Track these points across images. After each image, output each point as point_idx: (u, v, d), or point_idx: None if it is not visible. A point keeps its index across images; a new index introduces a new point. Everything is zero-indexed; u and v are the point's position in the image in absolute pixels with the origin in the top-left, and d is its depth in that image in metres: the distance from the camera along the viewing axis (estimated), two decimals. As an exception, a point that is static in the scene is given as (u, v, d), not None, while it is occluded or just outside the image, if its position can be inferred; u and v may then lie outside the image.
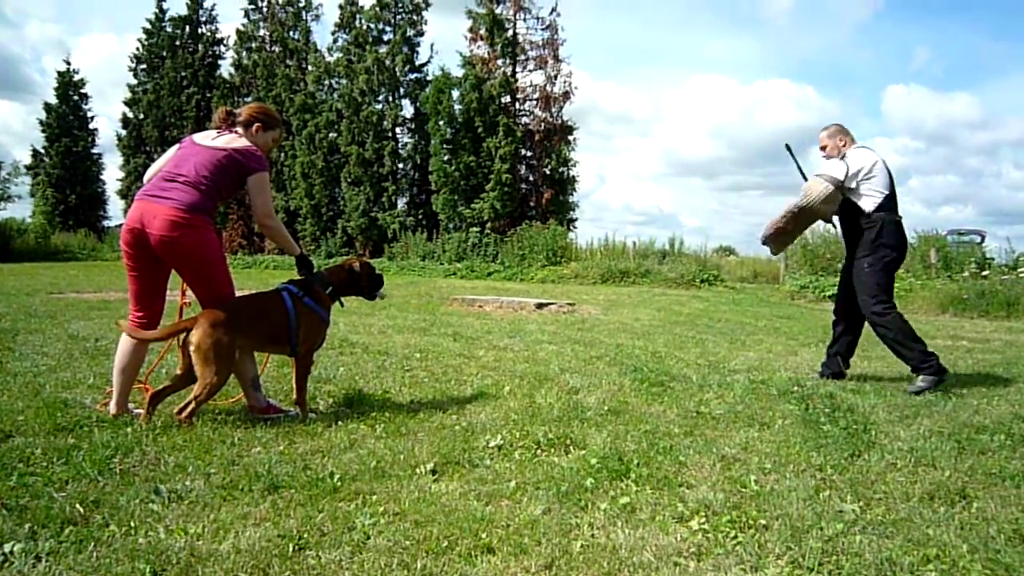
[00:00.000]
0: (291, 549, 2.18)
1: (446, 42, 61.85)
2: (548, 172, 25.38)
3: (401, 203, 27.81)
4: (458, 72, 25.12)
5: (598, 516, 2.59)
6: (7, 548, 2.14)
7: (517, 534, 2.38)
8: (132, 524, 2.34)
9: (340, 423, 3.68)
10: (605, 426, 3.81)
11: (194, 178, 3.63)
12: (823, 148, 5.36)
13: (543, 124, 25.20)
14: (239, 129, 3.91)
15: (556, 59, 25.12)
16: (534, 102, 25.57)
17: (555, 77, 25.12)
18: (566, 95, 25.18)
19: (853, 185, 5.08)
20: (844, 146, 5.27)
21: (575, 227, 25.79)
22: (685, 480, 3.00)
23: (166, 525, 2.34)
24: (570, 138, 25.44)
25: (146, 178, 3.80)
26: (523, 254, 21.36)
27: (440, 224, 25.29)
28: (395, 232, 26.34)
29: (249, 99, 30.57)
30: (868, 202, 5.08)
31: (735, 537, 2.43)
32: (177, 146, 3.89)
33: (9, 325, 6.98)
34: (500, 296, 11.71)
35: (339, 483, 2.76)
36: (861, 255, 5.14)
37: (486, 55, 25.10)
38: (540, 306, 10.52)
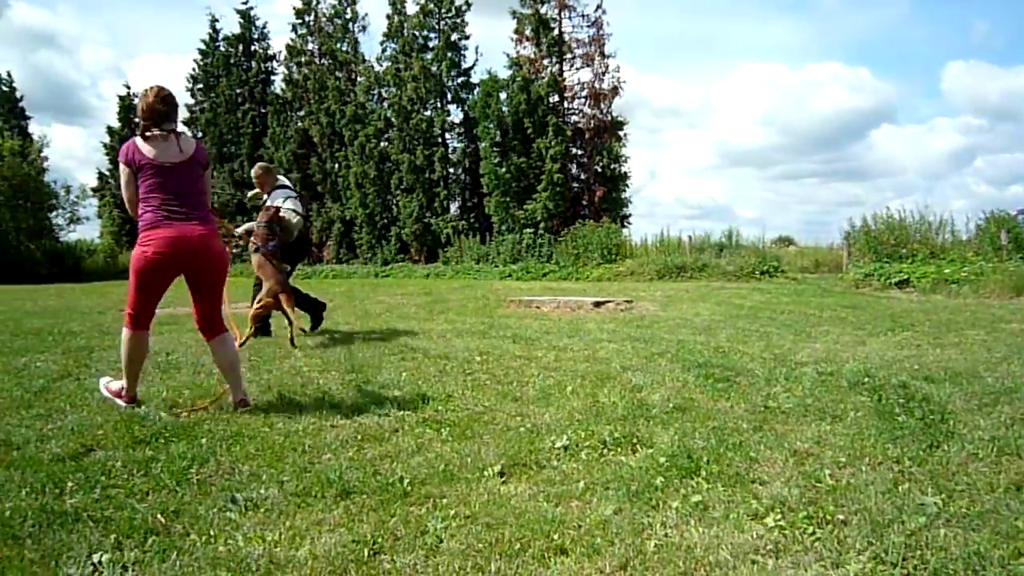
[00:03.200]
0: (366, 554, 2.22)
1: (491, 44, 62.14)
2: (599, 170, 25.24)
3: (453, 208, 28.00)
4: (505, 74, 25.19)
5: (670, 515, 2.55)
6: (95, 558, 2.22)
7: (589, 535, 2.37)
8: (212, 533, 2.41)
9: (406, 428, 3.72)
10: (671, 424, 3.76)
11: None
12: None
13: (592, 121, 25.05)
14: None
15: (603, 55, 24.96)
16: (583, 100, 25.44)
17: (603, 73, 24.96)
18: (614, 91, 24.99)
19: None
20: None
21: (629, 224, 25.59)
22: (757, 476, 2.95)
23: (244, 533, 2.40)
24: (620, 134, 25.24)
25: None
26: (578, 253, 21.28)
27: (493, 227, 25.38)
28: (448, 236, 26.54)
29: (301, 113, 31.23)
30: None
31: (813, 533, 2.38)
32: (139, 165, 4.12)
33: (84, 343, 7.25)
34: (557, 296, 11.68)
35: (409, 487, 2.79)
36: None
37: (532, 55, 25.09)
38: (597, 304, 10.46)
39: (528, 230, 23.71)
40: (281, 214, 7.03)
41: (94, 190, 35.66)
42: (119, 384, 4.42)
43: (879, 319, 8.69)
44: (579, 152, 25.71)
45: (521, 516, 2.52)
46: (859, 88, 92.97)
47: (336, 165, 29.84)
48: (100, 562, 2.19)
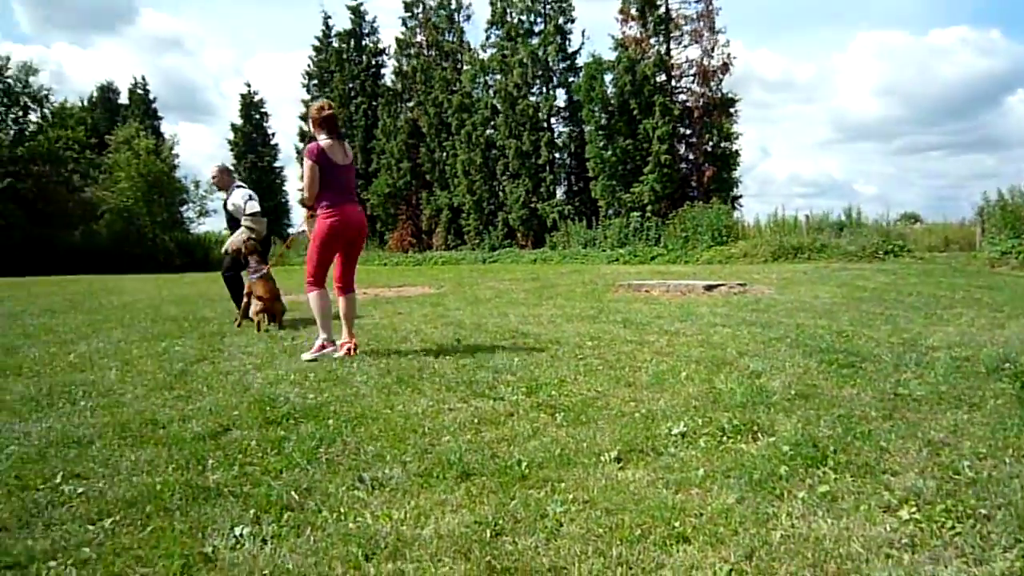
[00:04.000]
0: (488, 535, 2.26)
1: (597, 26, 61.42)
2: (709, 149, 24.59)
3: (559, 192, 28.01)
4: (610, 56, 24.89)
5: (796, 505, 2.47)
6: (237, 531, 2.37)
7: (711, 523, 2.33)
8: (342, 510, 2.52)
9: (521, 412, 3.77)
10: (794, 411, 3.63)
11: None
12: None
13: (701, 100, 24.41)
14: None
15: (712, 31, 24.24)
16: (691, 78, 24.84)
17: (711, 50, 24.27)
18: (724, 67, 24.25)
19: None
20: None
21: (740, 204, 24.83)
22: (889, 467, 2.81)
23: (372, 511, 2.50)
24: (731, 111, 24.46)
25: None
26: (687, 236, 20.84)
27: (600, 211, 25.21)
28: (555, 221, 26.57)
29: (411, 104, 31.95)
30: None
31: (952, 528, 2.25)
32: (323, 162, 5.48)
33: (216, 328, 7.71)
34: (666, 280, 11.49)
35: (527, 471, 2.82)
36: None
37: (638, 35, 24.67)
38: (709, 288, 10.21)
39: (635, 213, 23.42)
40: (246, 237, 7.86)
41: (220, 185, 37.77)
42: (319, 341, 5.62)
43: (1018, 300, 8.08)
44: (687, 132, 25.13)
45: (640, 502, 2.50)
46: (990, 51, 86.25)
47: (444, 153, 30.39)
48: (242, 535, 2.33)
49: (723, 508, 2.45)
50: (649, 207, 23.55)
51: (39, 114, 29.84)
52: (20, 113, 29.33)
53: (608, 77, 24.71)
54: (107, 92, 42.50)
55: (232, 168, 8.68)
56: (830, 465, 2.82)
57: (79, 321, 8.65)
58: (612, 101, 24.40)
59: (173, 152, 33.89)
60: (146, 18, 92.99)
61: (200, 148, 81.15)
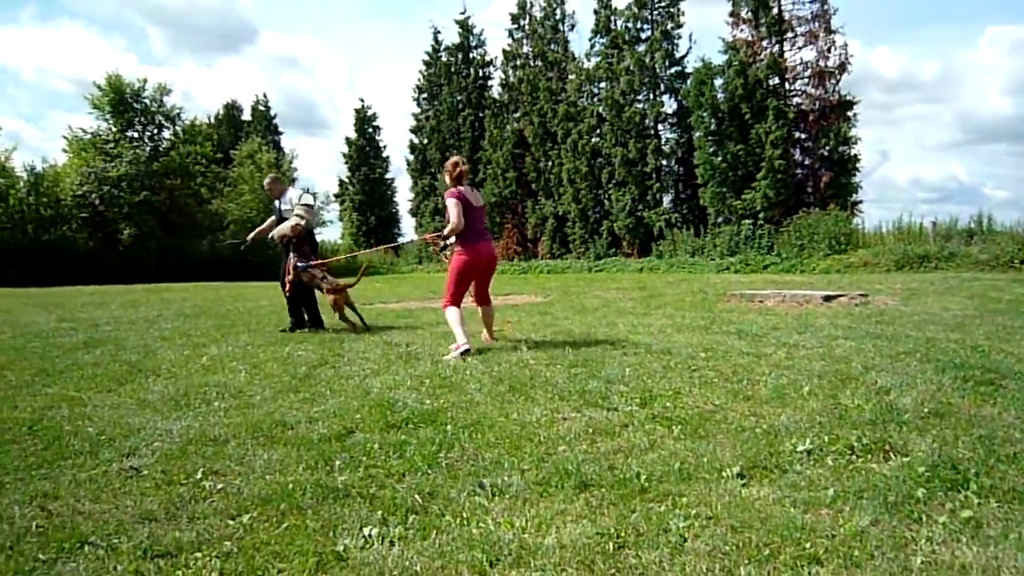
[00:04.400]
0: (611, 547, 2.25)
1: (705, 30, 60.21)
2: (825, 153, 23.53)
3: (667, 200, 27.53)
4: (720, 60, 24.31)
5: (936, 530, 2.34)
6: (366, 531, 2.46)
7: (844, 545, 2.23)
8: (464, 515, 2.57)
9: (636, 423, 3.73)
10: (928, 430, 3.43)
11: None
12: None
13: (817, 102, 23.43)
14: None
15: (828, 31, 23.24)
16: (805, 80, 23.87)
17: (828, 50, 23.25)
18: (842, 68, 23.18)
19: None
20: None
21: (860, 211, 23.57)
22: (1041, 494, 2.61)
23: (493, 518, 2.53)
24: (849, 114, 23.37)
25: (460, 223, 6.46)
26: (802, 244, 20.06)
27: (708, 218, 24.62)
28: (662, 229, 26.14)
29: (517, 115, 32.29)
30: None
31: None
32: (464, 200, 6.47)
33: (334, 334, 8.02)
34: (781, 290, 11.09)
35: (646, 484, 2.78)
36: None
37: (750, 37, 23.98)
38: (828, 298, 9.79)
39: (746, 221, 22.73)
40: (295, 223, 8.32)
41: (336, 196, 39.40)
42: (455, 346, 6.28)
43: None
44: (802, 136, 24.16)
45: (767, 521, 2.42)
46: None
47: (549, 162, 30.50)
48: (370, 535, 2.41)
49: (857, 530, 2.34)
50: (761, 214, 22.80)
51: (171, 131, 31.95)
52: (155, 131, 31.52)
53: (718, 82, 24.14)
54: (232, 110, 45.05)
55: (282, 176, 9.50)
56: (972, 489, 2.65)
57: (209, 325, 9.19)
58: (722, 106, 23.81)
59: (292, 165, 35.56)
60: (266, 39, 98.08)
61: (316, 161, 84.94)
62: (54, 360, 6.45)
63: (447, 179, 6.62)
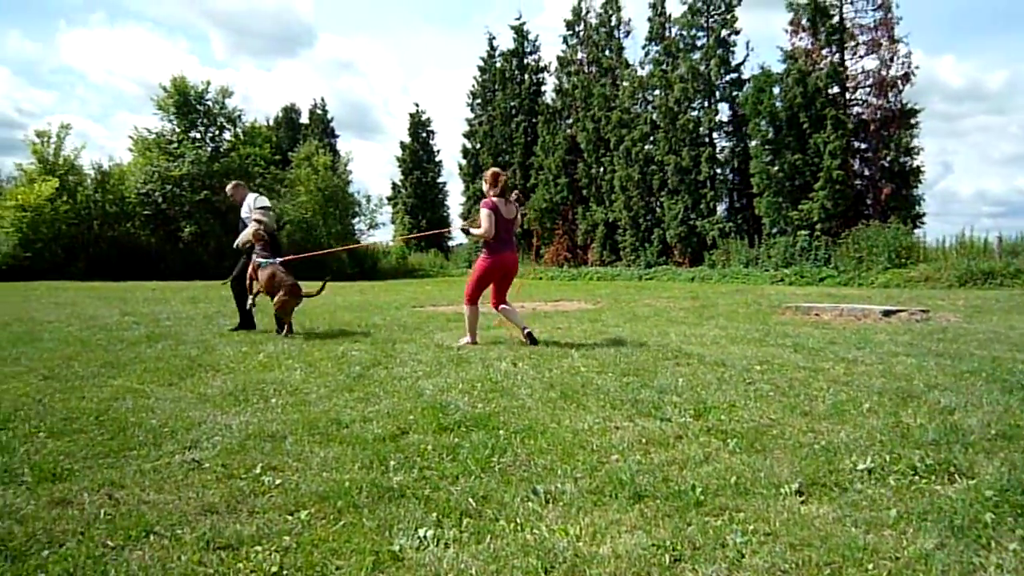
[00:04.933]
0: (667, 560, 2.23)
1: (763, 38, 59.33)
2: (886, 164, 22.97)
3: (720, 209, 27.17)
4: (778, 68, 23.94)
5: (1006, 557, 2.26)
6: (421, 532, 2.48)
7: (909, 568, 2.17)
8: (518, 521, 2.57)
9: (690, 435, 3.68)
10: (995, 453, 3.32)
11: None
12: None
13: (878, 112, 22.88)
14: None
15: (892, 40, 22.70)
16: (867, 89, 23.35)
17: (891, 59, 22.71)
18: (905, 77, 22.61)
19: None
20: None
21: (921, 223, 22.94)
22: (1120, 524, 2.49)
23: (547, 524, 2.53)
24: (912, 124, 22.76)
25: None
26: (860, 257, 19.60)
27: (763, 228, 24.23)
28: (714, 239, 25.82)
29: (569, 121, 32.27)
30: None
31: None
32: (496, 211, 7.08)
33: (386, 335, 8.11)
34: (838, 303, 10.85)
35: (702, 497, 2.75)
36: None
37: (809, 46, 23.55)
38: (887, 313, 9.54)
39: (803, 232, 22.32)
40: (255, 228, 8.36)
41: (388, 199, 39.96)
42: (464, 339, 7.35)
43: None
44: (862, 146, 23.63)
45: (827, 540, 2.37)
46: None
47: (601, 169, 30.40)
48: (425, 537, 2.43)
49: (921, 553, 2.27)
50: (818, 225, 22.34)
51: (232, 133, 32.70)
52: (216, 132, 32.30)
53: (776, 90, 23.77)
54: (290, 112, 46.02)
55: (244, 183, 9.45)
56: (1046, 516, 2.55)
57: (265, 323, 9.38)
58: (780, 114, 23.42)
59: (347, 168, 36.12)
60: (323, 42, 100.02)
61: (370, 164, 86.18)
62: (118, 353, 6.66)
63: (485, 186, 7.21)
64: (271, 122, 43.68)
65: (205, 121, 31.83)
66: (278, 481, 3.01)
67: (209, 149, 31.35)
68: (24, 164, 28.47)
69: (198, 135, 31.62)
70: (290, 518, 2.62)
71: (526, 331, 7.25)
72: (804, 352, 6.47)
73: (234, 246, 8.87)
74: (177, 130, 31.25)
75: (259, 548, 2.36)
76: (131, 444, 3.58)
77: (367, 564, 2.23)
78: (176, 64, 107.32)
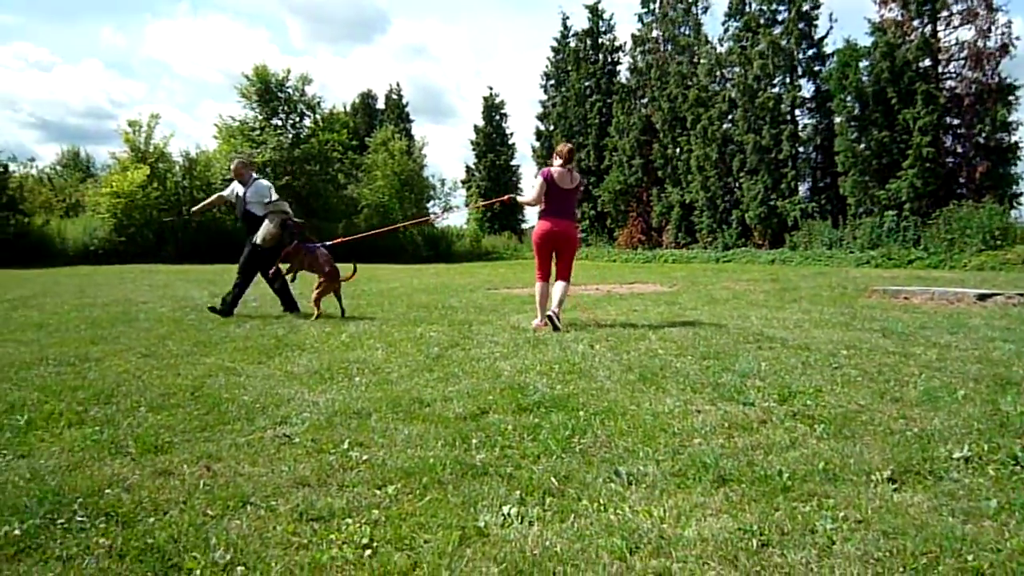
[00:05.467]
0: (754, 544, 2.20)
1: (846, 11, 56.90)
2: (981, 141, 21.80)
3: (802, 189, 26.38)
4: (864, 41, 22.95)
5: (1122, 554, 2.14)
6: (505, 509, 2.51)
7: (1013, 561, 2.08)
8: (601, 501, 2.58)
9: (775, 420, 3.61)
10: (1108, 444, 3.13)
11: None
12: None
13: (973, 86, 21.69)
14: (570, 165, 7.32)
15: (990, 9, 21.44)
16: (960, 62, 22.15)
17: (988, 30, 21.47)
18: (1003, 49, 21.35)
19: None
20: None
21: (1019, 204, 21.71)
22: None
23: (631, 505, 2.53)
24: (1010, 98, 21.50)
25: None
26: (952, 238, 18.71)
27: (848, 209, 23.38)
28: (796, 220, 25.08)
29: (644, 100, 31.78)
30: None
31: None
32: (550, 183, 7.16)
33: (463, 317, 8.21)
34: (929, 287, 10.39)
35: (789, 482, 2.70)
36: None
37: (899, 17, 22.48)
38: (982, 297, 9.09)
39: (890, 212, 21.44)
40: (286, 219, 8.39)
41: (462, 182, 40.26)
42: (536, 320, 7.28)
43: None
44: (955, 122, 22.46)
45: (922, 529, 2.29)
46: None
47: (677, 149, 29.89)
48: (509, 514, 2.47)
49: (1025, 547, 2.18)
50: (907, 205, 21.40)
51: (311, 120, 33.54)
52: (297, 119, 33.18)
53: (863, 64, 22.80)
54: (367, 98, 46.79)
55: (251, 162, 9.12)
56: None
57: (345, 305, 9.62)
58: (867, 90, 22.46)
59: (422, 152, 36.57)
60: (396, 27, 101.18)
61: (442, 148, 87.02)
62: (209, 332, 6.95)
63: (554, 155, 7.35)
64: (348, 108, 44.52)
65: (286, 108, 32.72)
66: (365, 456, 3.10)
67: (290, 136, 32.23)
68: (117, 152, 29.87)
69: (279, 122, 32.54)
70: (378, 492, 2.70)
71: (549, 313, 7.04)
72: (893, 337, 6.24)
73: (257, 242, 8.37)
74: (259, 117, 32.22)
75: (349, 520, 2.44)
76: (225, 419, 3.74)
77: (454, 539, 2.28)
78: (257, 53, 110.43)
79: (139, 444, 3.28)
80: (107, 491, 2.71)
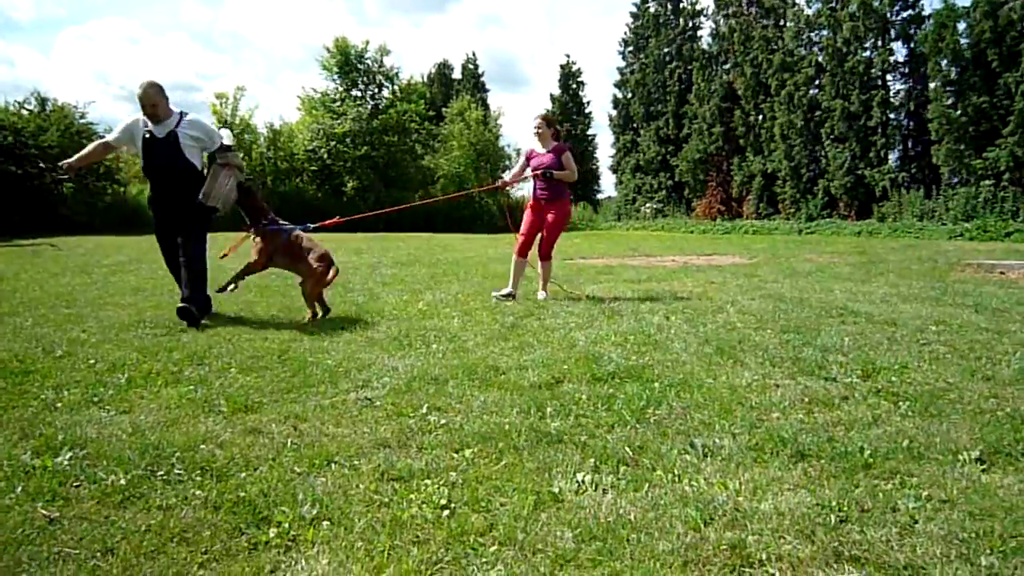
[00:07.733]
0: (832, 520, 2.17)
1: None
2: (1093, 105, 20.35)
3: (892, 157, 25.21)
4: (963, 2, 21.63)
5: None
6: (579, 477, 2.55)
7: (1110, 548, 2.00)
8: (675, 472, 2.58)
9: (857, 396, 3.52)
10: None
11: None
12: None
13: (1087, 46, 20.23)
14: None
15: (1109, -40, 19.86)
16: (1073, 20, 20.65)
17: (1107, -16, 19.90)
18: (1124, 4, 19.79)
19: None
20: None
21: None
22: None
23: (706, 478, 2.53)
24: None
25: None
26: (1056, 209, 17.63)
27: (941, 178, 22.27)
28: (885, 190, 24.04)
29: (727, 66, 30.84)
30: None
31: None
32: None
33: (538, 287, 8.23)
34: (1029, 260, 9.86)
35: (870, 459, 2.64)
36: None
37: (1005, -27, 21.07)
38: (1089, 273, 8.57)
39: (987, 182, 20.31)
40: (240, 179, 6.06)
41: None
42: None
43: None
44: (1065, 85, 21.01)
45: (1013, 511, 2.22)
46: None
47: (760, 117, 28.97)
48: (583, 481, 2.51)
49: (1125, 534, 2.08)
50: (1006, 175, 20.23)
51: (390, 90, 33.92)
52: (376, 90, 33.62)
53: (961, 26, 21.52)
54: (443, 69, 46.88)
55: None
56: None
57: (422, 274, 9.80)
58: (965, 52, 21.23)
59: (498, 122, 36.52)
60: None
61: (517, 118, 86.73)
62: (293, 298, 7.19)
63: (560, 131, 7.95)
64: (424, 79, 44.76)
65: (365, 80, 33.16)
66: (443, 421, 3.18)
67: (369, 106, 32.67)
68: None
69: (359, 93, 33.02)
70: (455, 455, 2.78)
71: (544, 295, 7.50)
72: (987, 313, 5.97)
73: (210, 204, 5.93)
74: (340, 89, 32.76)
75: (428, 482, 2.52)
76: (310, 381, 3.90)
77: (529, 503, 2.33)
78: (335, 25, 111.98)
79: (230, 403, 3.45)
80: (202, 446, 2.87)
